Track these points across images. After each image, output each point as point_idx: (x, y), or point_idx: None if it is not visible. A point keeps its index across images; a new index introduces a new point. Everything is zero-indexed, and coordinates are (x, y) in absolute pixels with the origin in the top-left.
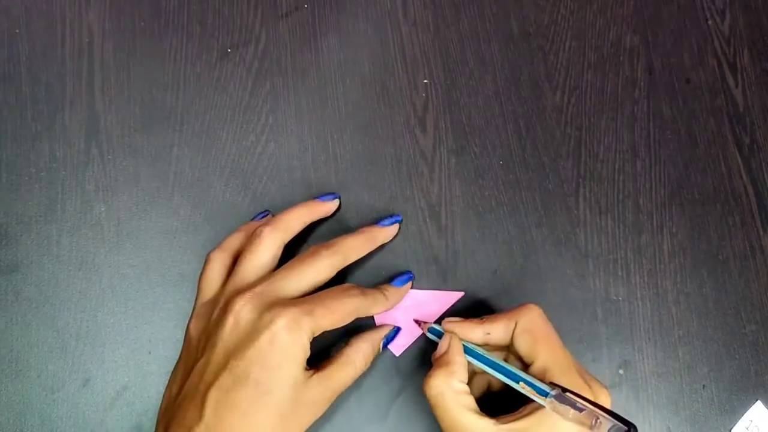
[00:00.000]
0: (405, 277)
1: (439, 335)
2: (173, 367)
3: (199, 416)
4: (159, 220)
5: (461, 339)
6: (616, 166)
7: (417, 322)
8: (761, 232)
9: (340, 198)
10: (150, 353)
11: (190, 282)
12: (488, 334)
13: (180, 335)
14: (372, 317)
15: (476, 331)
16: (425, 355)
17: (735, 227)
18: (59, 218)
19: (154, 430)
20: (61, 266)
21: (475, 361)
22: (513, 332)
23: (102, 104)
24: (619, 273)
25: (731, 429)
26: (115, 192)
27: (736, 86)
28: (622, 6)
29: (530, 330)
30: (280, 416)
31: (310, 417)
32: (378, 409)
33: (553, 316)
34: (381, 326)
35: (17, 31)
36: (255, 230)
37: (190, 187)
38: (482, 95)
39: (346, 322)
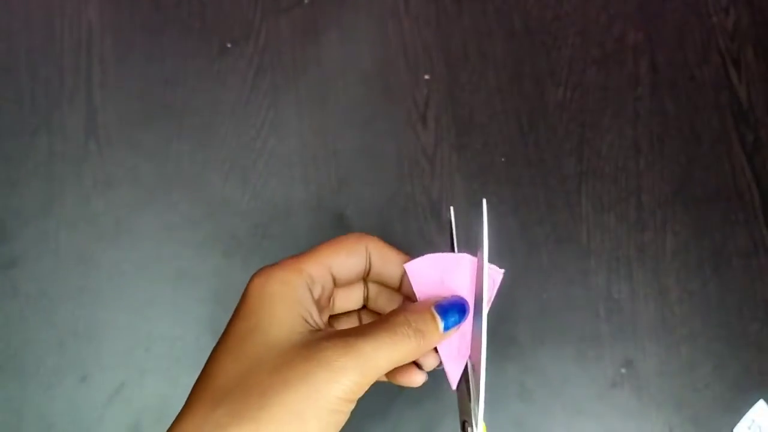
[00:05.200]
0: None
1: None
2: (171, 364)
3: None
4: (158, 215)
5: None
6: (619, 164)
7: None
8: (765, 230)
9: None
10: (148, 350)
11: (189, 278)
12: None
13: (178, 332)
14: None
15: None
16: None
17: (738, 225)
18: (57, 213)
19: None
20: (59, 262)
21: None
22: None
23: (101, 99)
24: (622, 271)
25: (734, 428)
26: (114, 187)
27: (740, 83)
28: (625, 2)
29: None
30: None
31: None
32: (378, 409)
33: (555, 314)
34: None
35: (16, 25)
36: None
37: (189, 182)
38: (484, 91)
39: None
